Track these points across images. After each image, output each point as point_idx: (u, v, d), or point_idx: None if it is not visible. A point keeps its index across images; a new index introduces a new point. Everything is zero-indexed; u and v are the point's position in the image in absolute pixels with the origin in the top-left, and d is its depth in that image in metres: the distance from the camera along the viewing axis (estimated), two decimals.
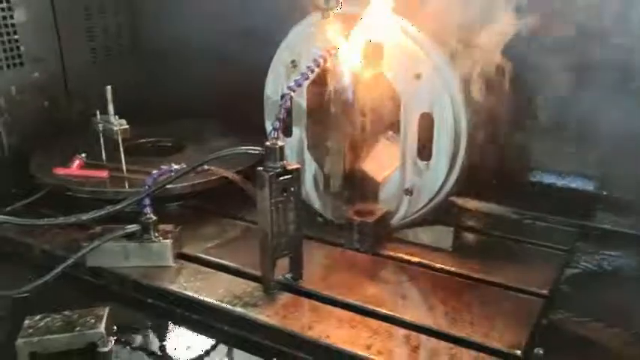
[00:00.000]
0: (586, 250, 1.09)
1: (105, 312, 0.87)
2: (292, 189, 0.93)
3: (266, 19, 1.32)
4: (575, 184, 1.23)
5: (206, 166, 1.03)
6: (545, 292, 0.96)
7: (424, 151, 1.04)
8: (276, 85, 1.13)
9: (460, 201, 1.18)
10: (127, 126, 1.19)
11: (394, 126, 1.08)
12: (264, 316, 0.92)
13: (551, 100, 1.18)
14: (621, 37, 1.11)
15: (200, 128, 1.47)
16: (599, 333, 0.90)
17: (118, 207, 1.01)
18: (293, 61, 1.11)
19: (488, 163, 1.14)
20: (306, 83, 1.05)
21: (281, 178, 0.91)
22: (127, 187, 1.19)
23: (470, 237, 1.15)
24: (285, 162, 0.92)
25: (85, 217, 1.01)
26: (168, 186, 1.06)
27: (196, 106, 1.52)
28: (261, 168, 0.92)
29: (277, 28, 1.12)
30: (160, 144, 1.43)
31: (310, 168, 1.16)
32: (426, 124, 1.02)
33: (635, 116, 1.13)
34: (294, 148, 1.16)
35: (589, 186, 1.22)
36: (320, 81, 1.09)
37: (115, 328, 0.91)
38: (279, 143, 0.91)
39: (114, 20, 1.60)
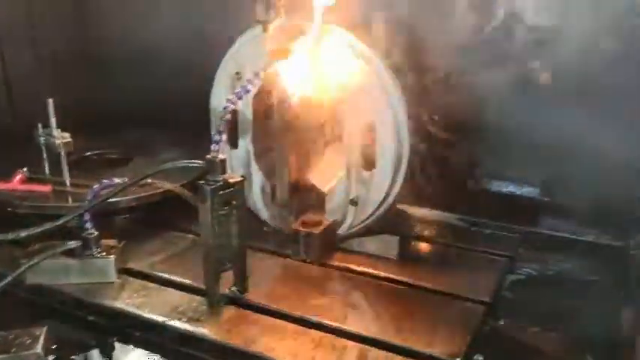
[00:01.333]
0: (528, 256, 1.11)
1: (42, 332, 0.85)
2: (235, 202, 0.93)
3: (220, 26, 1.31)
4: (519, 190, 1.25)
5: (149, 180, 1.03)
6: (486, 299, 0.98)
7: (368, 161, 1.05)
8: (221, 96, 1.13)
9: (406, 209, 1.20)
10: (69, 139, 1.18)
11: (340, 137, 1.09)
12: (207, 330, 0.91)
13: (494, 108, 1.20)
14: (557, 48, 1.14)
15: (150, 139, 1.45)
16: (539, 338, 0.92)
17: (57, 223, 0.99)
18: (237, 73, 1.11)
19: (433, 171, 1.16)
20: (247, 96, 1.04)
21: (223, 191, 0.91)
22: (70, 201, 1.17)
23: (416, 245, 1.16)
24: (227, 175, 0.92)
25: (24, 233, 0.98)
26: (114, 199, 1.04)
27: (147, 117, 1.49)
28: (202, 181, 0.91)
29: (231, 37, 1.12)
30: (108, 156, 1.41)
31: (258, 179, 1.16)
32: (370, 135, 1.04)
33: (574, 123, 1.16)
34: (241, 159, 1.16)
35: (532, 193, 1.24)
36: (265, 92, 1.09)
37: (56, 347, 0.89)
38: (221, 156, 0.90)
39: (60, 29, 1.56)
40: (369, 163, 1.05)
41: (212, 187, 0.90)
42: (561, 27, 1.12)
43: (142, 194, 1.18)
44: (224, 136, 0.92)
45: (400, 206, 1.16)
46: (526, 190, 1.25)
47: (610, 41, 1.09)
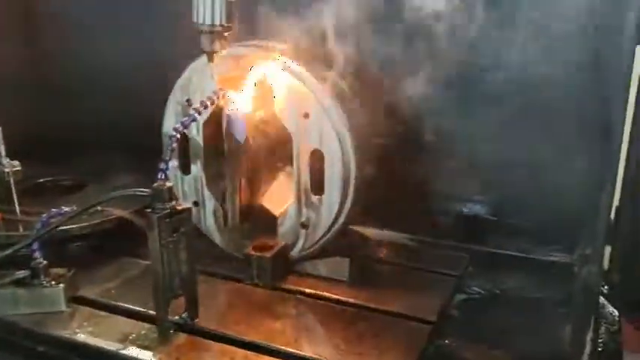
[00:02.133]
0: (476, 275, 1.15)
1: None
2: (183, 229, 0.94)
3: (174, 49, 1.28)
4: (468, 209, 1.28)
5: (99, 207, 1.03)
6: (433, 318, 1.00)
7: (317, 185, 1.07)
8: (172, 122, 1.14)
9: (358, 230, 1.22)
10: (19, 168, 1.17)
11: (291, 162, 1.11)
12: (156, 358, 0.91)
13: (441, 128, 1.23)
14: (499, 71, 1.17)
15: (104, 165, 1.45)
16: (484, 356, 0.95)
17: (5, 253, 0.99)
18: (188, 100, 1.12)
19: (382, 192, 1.18)
20: (197, 123, 1.08)
21: (170, 219, 0.92)
22: (20, 230, 1.17)
23: (366, 266, 1.18)
24: (175, 202, 0.92)
25: None
26: (65, 227, 1.05)
27: (102, 141, 1.49)
28: (149, 209, 0.92)
29: (185, 61, 1.13)
30: (61, 183, 1.40)
31: (210, 204, 1.17)
32: (317, 160, 1.05)
33: (520, 144, 1.19)
34: (193, 184, 1.17)
35: (480, 211, 1.27)
36: (216, 119, 1.11)
37: None
38: (167, 184, 0.91)
39: (8, 52, 1.51)
40: (318, 188, 1.07)
41: (159, 215, 0.91)
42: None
43: (95, 221, 1.18)
44: (171, 164, 0.93)
45: (352, 227, 1.18)
46: (474, 209, 1.28)
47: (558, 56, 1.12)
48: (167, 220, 0.92)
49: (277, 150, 1.13)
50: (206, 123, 1.12)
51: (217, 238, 1.19)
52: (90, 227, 1.18)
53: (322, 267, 1.14)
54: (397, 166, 1.22)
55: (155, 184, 0.91)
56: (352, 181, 1.06)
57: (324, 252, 1.13)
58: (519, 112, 1.18)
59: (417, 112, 1.21)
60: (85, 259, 1.18)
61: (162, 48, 1.39)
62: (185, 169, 1.17)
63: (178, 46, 1.11)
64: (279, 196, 1.15)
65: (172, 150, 0.93)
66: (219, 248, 1.20)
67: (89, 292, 1.08)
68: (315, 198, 1.09)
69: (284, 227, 1.13)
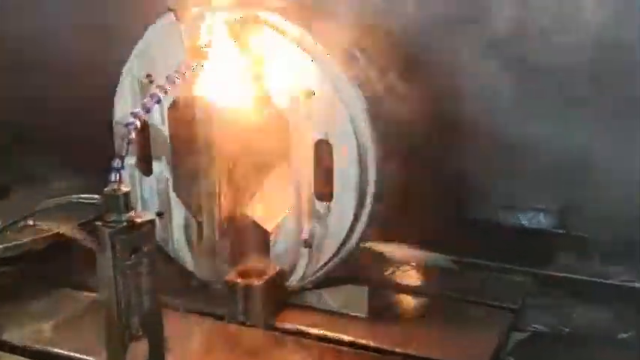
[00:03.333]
0: (538, 307, 1.15)
1: None
2: (145, 248, 0.93)
3: (128, 19, 1.29)
4: (527, 220, 1.28)
5: (30, 221, 1.03)
6: None
7: (324, 189, 1.07)
8: (125, 107, 1.14)
9: (378, 250, 1.20)
10: None
11: (287, 159, 1.11)
12: None
13: (493, 118, 1.24)
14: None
15: (36, 165, 1.44)
16: None
17: None
18: (148, 75, 1.12)
19: (411, 199, 1.18)
20: (161, 107, 1.08)
21: (127, 235, 0.91)
22: None
23: (392, 297, 1.18)
24: (133, 213, 0.91)
25: None
26: None
27: (34, 136, 1.49)
28: (100, 223, 0.91)
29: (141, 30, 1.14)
30: None
31: (179, 215, 1.17)
32: (324, 154, 1.05)
33: (597, 140, 1.20)
34: (156, 189, 1.17)
35: (543, 223, 1.28)
36: (185, 102, 1.11)
37: None
38: (123, 189, 0.90)
39: None
40: (325, 193, 1.07)
41: (112, 229, 0.90)
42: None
43: (24, 240, 1.17)
44: (128, 162, 0.93)
45: (369, 246, 1.17)
46: (536, 221, 1.28)
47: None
48: (123, 236, 0.90)
49: (270, 142, 1.13)
50: (173, 106, 1.12)
51: (189, 260, 1.19)
52: (17, 248, 1.17)
53: (332, 298, 1.14)
54: (431, 165, 1.23)
55: (106, 189, 0.90)
56: (372, 181, 1.06)
57: (333, 279, 1.14)
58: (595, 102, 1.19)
59: (462, 98, 1.23)
60: (11, 290, 1.18)
61: (114, 16, 1.38)
62: (146, 168, 1.17)
63: (134, 12, 1.13)
64: (272, 204, 1.15)
65: (129, 142, 0.92)
66: (193, 275, 1.20)
67: (15, 335, 1.08)
68: (320, 206, 1.09)
69: (279, 246, 1.13)
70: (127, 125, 0.92)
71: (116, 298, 0.92)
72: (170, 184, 1.16)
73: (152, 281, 0.94)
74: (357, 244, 1.10)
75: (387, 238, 1.20)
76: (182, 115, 1.12)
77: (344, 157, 1.05)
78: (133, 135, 0.92)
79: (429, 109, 1.15)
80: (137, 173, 1.18)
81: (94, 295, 1.17)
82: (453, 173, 1.28)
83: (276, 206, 1.14)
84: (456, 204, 1.30)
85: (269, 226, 1.14)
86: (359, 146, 1.05)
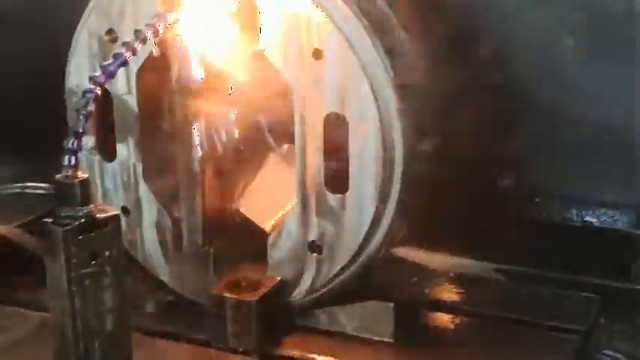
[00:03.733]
0: (612, 331, 1.14)
1: None
2: (108, 253, 0.92)
3: None
4: (596, 219, 1.28)
5: None
6: None
7: (336, 177, 1.07)
8: (82, 72, 1.14)
9: (407, 256, 1.22)
10: None
11: (289, 139, 1.12)
12: None
13: (561, 95, 1.24)
14: None
15: None
16: None
17: None
18: (109, 31, 1.12)
19: (449, 191, 1.18)
20: (126, 71, 1.08)
21: (85, 235, 0.90)
22: None
23: (425, 316, 1.19)
24: (93, 206, 0.91)
25: None
26: None
27: None
28: (50, 219, 0.90)
29: None
30: None
31: (150, 211, 1.18)
32: (337, 131, 1.05)
33: None
34: (120, 177, 1.18)
35: (619, 222, 1.27)
36: (158, 65, 1.11)
37: None
38: (80, 176, 0.90)
39: None
40: (339, 182, 1.07)
41: (66, 228, 0.89)
42: None
43: None
44: (87, 143, 0.93)
45: (395, 251, 1.18)
46: (610, 220, 1.28)
47: None
48: (79, 237, 0.90)
49: (267, 117, 1.14)
50: (144, 71, 1.12)
51: (164, 270, 1.20)
52: None
53: (347, 319, 1.14)
54: (476, 149, 1.23)
55: (58, 176, 0.90)
56: (397, 171, 1.06)
57: (349, 293, 1.13)
58: None
59: (522, 72, 1.24)
60: None
61: None
62: (108, 151, 1.18)
63: None
64: (270, 197, 1.16)
65: (87, 117, 0.91)
66: (169, 288, 1.20)
67: None
68: (333, 199, 1.08)
69: (279, 251, 1.13)
70: (84, 94, 0.92)
71: (71, 318, 0.92)
72: (139, 171, 1.16)
73: (118, 296, 0.94)
74: (380, 248, 1.10)
75: (419, 241, 1.23)
76: (155, 81, 1.13)
77: (363, 136, 1.05)
78: (92, 107, 0.91)
79: (475, 80, 1.18)
80: (97, 158, 1.18)
81: (42, 314, 1.17)
82: (503, 161, 1.29)
83: (275, 199, 1.15)
84: (507, 199, 1.30)
85: (266, 225, 1.15)
86: (382, 122, 1.04)
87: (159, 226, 1.18)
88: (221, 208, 1.15)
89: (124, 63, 0.96)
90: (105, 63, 0.95)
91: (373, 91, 1.04)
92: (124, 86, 1.13)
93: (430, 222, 1.18)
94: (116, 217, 0.93)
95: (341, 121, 1.05)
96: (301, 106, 1.06)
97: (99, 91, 0.92)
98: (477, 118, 1.20)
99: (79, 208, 0.90)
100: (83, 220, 0.90)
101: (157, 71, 1.11)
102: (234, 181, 1.16)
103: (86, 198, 0.90)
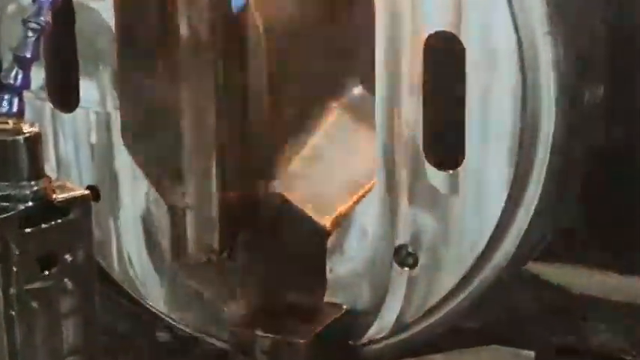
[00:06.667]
0: None
1: None
2: (70, 258, 0.93)
3: None
4: None
5: None
6: None
7: (443, 142, 1.07)
8: None
9: (551, 275, 1.22)
10: None
11: (364, 76, 1.12)
12: None
13: None
14: None
15: None
16: None
17: None
18: None
19: (623, 182, 1.20)
20: None
21: (35, 227, 0.90)
22: None
23: None
24: (47, 181, 0.91)
25: None
26: None
27: None
28: None
29: None
30: None
31: (134, 194, 1.19)
32: (444, 66, 1.05)
33: None
34: (85, 137, 1.19)
35: None
36: None
37: None
38: (28, 129, 0.90)
39: None
40: (447, 150, 1.07)
41: (4, 215, 0.89)
42: None
43: None
44: (36, 79, 0.94)
45: (534, 268, 1.19)
46: None
47: None
48: (25, 230, 0.90)
49: (332, 50, 1.15)
50: None
51: (155, 290, 1.21)
52: None
53: None
54: None
55: None
56: (544, 139, 1.05)
57: (461, 332, 1.15)
58: None
59: None
60: None
61: None
62: (64, 94, 1.19)
63: None
64: (329, 175, 1.18)
65: (40, 32, 0.92)
66: (163, 320, 1.22)
67: None
68: (437, 177, 1.08)
69: (346, 261, 1.13)
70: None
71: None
72: (116, 126, 1.17)
73: (84, 327, 0.95)
74: (514, 259, 1.10)
75: (569, 254, 1.23)
76: None
77: (488, 74, 1.04)
78: (48, 17, 0.93)
79: None
80: (47, 106, 1.20)
81: None
82: None
83: (339, 178, 1.17)
84: None
85: (324, 219, 1.15)
86: (520, 47, 1.04)
87: (147, 220, 1.19)
88: (250, 191, 1.16)
89: None
90: None
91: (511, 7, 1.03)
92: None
93: (589, 229, 1.20)
94: (84, 199, 0.93)
95: (450, 45, 1.05)
96: (388, 20, 1.06)
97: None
98: None
99: (24, 183, 0.91)
100: (31, 203, 0.91)
101: None
102: (273, 147, 1.17)
103: (36, 167, 0.91)
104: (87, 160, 1.20)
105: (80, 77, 1.18)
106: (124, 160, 1.19)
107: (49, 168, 1.16)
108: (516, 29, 1.04)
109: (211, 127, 1.14)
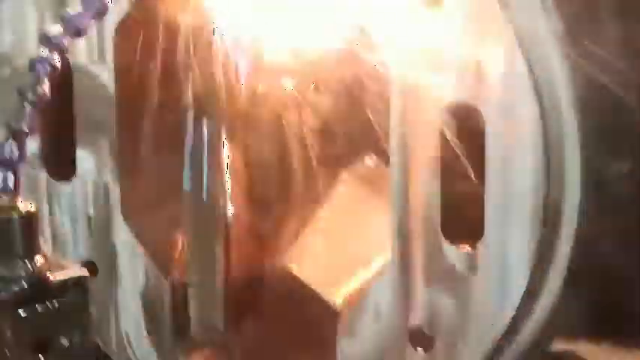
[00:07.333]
0: None
1: None
2: (67, 342, 0.92)
3: None
4: None
5: None
6: None
7: (462, 216, 1.07)
8: (24, 23, 1.17)
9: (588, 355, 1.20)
10: None
11: (378, 151, 1.12)
12: None
13: None
14: None
15: None
16: None
17: None
18: None
19: None
20: (100, 28, 1.10)
21: (28, 309, 0.88)
22: None
23: None
24: (43, 260, 0.90)
25: None
26: None
27: None
28: None
29: None
30: None
31: (133, 270, 1.19)
32: (462, 136, 1.05)
33: None
34: (82, 208, 1.19)
35: None
36: (150, 18, 1.13)
37: None
38: (23, 207, 0.88)
39: None
40: (466, 225, 1.06)
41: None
42: None
43: None
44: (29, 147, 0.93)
45: (568, 348, 1.15)
46: None
47: None
48: (20, 313, 0.89)
49: (341, 121, 1.15)
50: (124, 28, 1.13)
51: None
52: None
53: None
54: None
55: None
56: (569, 210, 1.04)
57: None
58: None
59: None
60: None
61: None
62: (60, 163, 1.19)
63: None
64: (341, 250, 1.16)
65: (38, 103, 0.91)
66: None
67: None
68: (455, 254, 1.07)
69: (358, 343, 1.12)
70: (32, 66, 0.92)
71: None
72: (114, 198, 1.17)
73: None
74: (537, 342, 1.08)
75: (601, 330, 1.19)
76: (148, 45, 1.13)
77: (509, 145, 1.03)
78: (46, 86, 0.92)
79: None
80: (42, 177, 1.19)
81: None
82: None
83: (351, 253, 1.15)
84: None
85: (335, 298, 1.14)
86: (545, 122, 1.02)
87: (147, 297, 1.18)
88: (256, 266, 1.15)
89: (101, 11, 0.95)
90: (68, 11, 0.94)
91: (530, 66, 1.02)
92: (92, 52, 1.15)
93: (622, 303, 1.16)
94: (82, 281, 0.93)
95: (468, 116, 1.04)
96: (403, 89, 1.05)
97: (57, 61, 0.92)
98: None
99: (18, 262, 0.90)
100: (26, 285, 0.90)
101: (145, 28, 1.13)
102: (283, 223, 1.16)
103: (32, 247, 0.91)
104: (83, 233, 1.20)
105: (77, 145, 1.19)
106: (122, 233, 1.19)
107: (43, 240, 1.16)
108: (539, 100, 1.02)
109: (218, 205, 1.13)
